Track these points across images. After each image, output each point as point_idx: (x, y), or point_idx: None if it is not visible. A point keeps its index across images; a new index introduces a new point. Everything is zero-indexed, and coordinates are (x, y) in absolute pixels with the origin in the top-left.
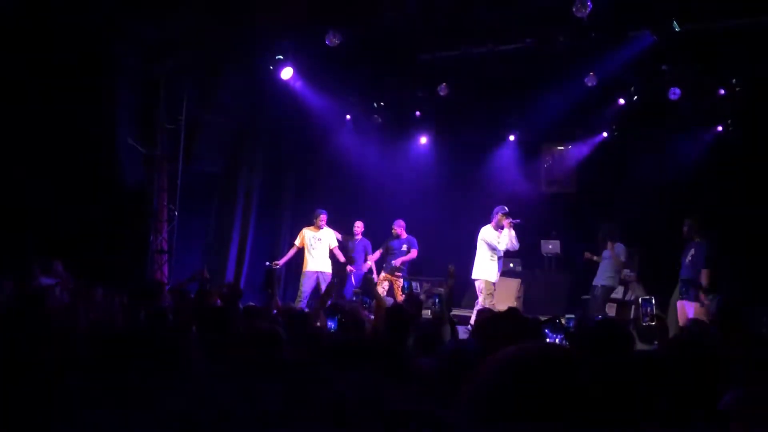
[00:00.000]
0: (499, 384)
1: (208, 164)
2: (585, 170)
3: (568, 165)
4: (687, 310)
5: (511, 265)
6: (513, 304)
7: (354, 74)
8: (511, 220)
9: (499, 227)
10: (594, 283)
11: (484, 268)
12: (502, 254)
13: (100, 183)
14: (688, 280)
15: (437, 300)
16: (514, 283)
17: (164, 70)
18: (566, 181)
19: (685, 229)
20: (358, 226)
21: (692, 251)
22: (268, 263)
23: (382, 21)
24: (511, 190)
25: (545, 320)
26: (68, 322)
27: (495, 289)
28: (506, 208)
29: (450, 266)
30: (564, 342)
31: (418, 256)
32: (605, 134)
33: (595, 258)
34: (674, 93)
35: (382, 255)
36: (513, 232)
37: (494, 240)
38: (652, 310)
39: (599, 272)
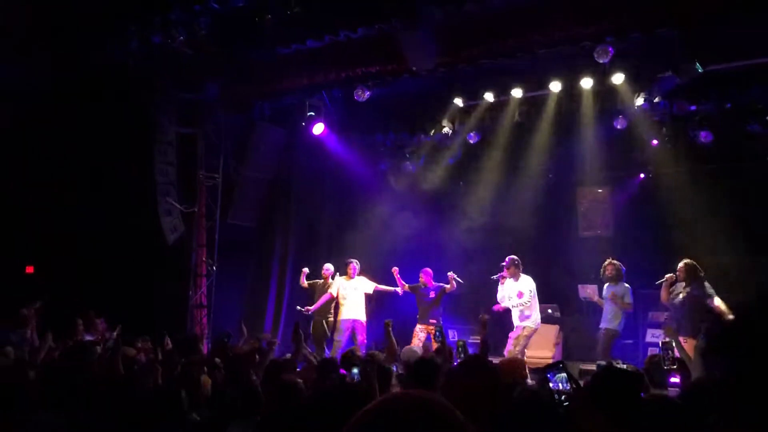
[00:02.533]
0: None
1: (245, 219)
2: (622, 213)
3: (604, 208)
4: None
5: (549, 311)
6: (551, 350)
7: (384, 125)
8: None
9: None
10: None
11: None
12: (515, 303)
13: (141, 240)
14: None
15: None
16: (552, 330)
17: (202, 129)
18: (603, 225)
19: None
20: (327, 269)
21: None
22: (299, 307)
23: (409, 74)
24: (547, 234)
25: (549, 365)
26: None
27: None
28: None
29: (482, 316)
30: (570, 389)
31: (452, 304)
32: (642, 176)
33: (596, 299)
34: (705, 137)
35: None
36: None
37: None
38: (673, 353)
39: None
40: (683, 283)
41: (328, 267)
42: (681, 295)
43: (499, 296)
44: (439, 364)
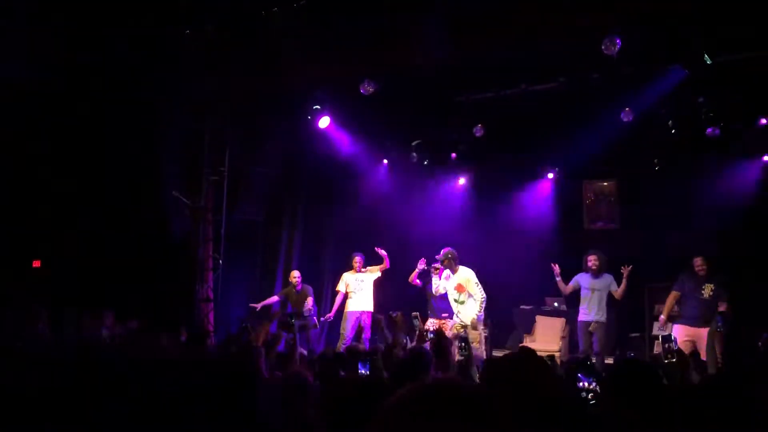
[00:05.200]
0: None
1: (251, 213)
2: (628, 205)
3: (610, 200)
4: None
5: (555, 304)
6: (558, 344)
7: (390, 119)
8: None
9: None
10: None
11: None
12: (455, 298)
13: (147, 235)
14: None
15: (464, 343)
16: (558, 323)
17: (208, 124)
18: (609, 217)
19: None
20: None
21: None
22: (323, 318)
23: (416, 66)
24: (553, 227)
25: (577, 363)
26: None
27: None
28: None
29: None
30: (596, 386)
31: None
32: (647, 168)
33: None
34: (713, 131)
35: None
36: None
37: None
38: (672, 346)
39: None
40: (706, 279)
41: (297, 274)
42: (706, 293)
43: (434, 288)
44: (431, 356)
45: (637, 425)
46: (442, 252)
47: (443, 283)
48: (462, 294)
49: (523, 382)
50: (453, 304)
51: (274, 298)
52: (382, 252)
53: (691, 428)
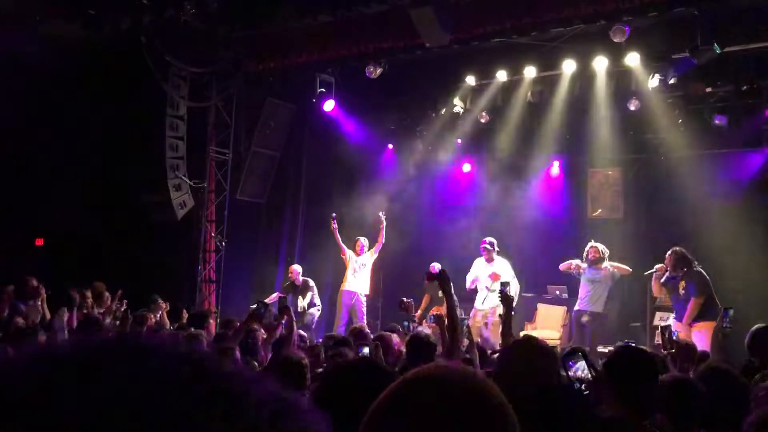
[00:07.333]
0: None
1: (254, 195)
2: (632, 195)
3: (615, 190)
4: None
5: (557, 292)
6: (559, 332)
7: (394, 103)
8: None
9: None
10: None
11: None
12: (488, 285)
13: (150, 215)
14: None
15: (465, 328)
16: (559, 311)
17: (212, 104)
18: (613, 207)
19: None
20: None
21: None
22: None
23: (420, 50)
24: (557, 215)
25: (567, 353)
26: None
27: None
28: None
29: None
30: (588, 374)
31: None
32: (653, 158)
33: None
34: (720, 120)
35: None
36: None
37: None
38: (672, 336)
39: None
40: (679, 275)
41: (293, 269)
42: (681, 290)
43: (469, 277)
44: (434, 343)
45: (630, 415)
46: (483, 241)
47: (478, 273)
48: (495, 283)
49: (525, 368)
50: (482, 291)
51: (277, 295)
52: (381, 217)
53: (685, 420)
